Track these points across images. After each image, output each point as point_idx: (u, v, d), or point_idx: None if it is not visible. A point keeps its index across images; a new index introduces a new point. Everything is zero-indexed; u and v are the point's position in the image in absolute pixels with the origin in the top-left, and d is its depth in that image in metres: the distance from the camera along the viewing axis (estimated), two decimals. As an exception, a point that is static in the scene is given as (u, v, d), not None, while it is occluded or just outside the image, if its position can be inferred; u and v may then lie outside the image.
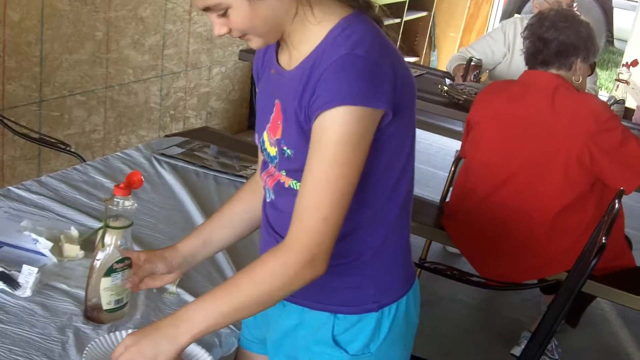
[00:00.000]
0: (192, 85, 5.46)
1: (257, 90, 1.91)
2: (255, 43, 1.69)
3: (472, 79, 4.66)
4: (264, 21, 1.63)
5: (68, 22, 4.34)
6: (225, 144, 3.41)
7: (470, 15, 7.98)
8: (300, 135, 1.65)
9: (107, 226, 1.92)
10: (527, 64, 3.51)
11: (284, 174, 1.74)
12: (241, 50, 5.21)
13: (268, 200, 1.84)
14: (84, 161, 3.05)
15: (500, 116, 3.49)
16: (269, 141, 1.76)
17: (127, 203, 1.93)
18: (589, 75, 3.58)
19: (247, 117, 6.12)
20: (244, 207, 2.01)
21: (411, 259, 1.90)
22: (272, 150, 1.75)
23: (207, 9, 1.62)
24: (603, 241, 2.52)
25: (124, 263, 1.93)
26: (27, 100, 4.23)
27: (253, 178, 2.04)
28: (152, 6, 4.86)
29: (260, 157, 1.93)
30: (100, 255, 1.93)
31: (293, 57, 1.70)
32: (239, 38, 1.68)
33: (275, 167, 1.77)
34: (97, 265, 1.93)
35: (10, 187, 2.64)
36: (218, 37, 1.67)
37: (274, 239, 1.82)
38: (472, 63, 4.67)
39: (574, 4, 4.58)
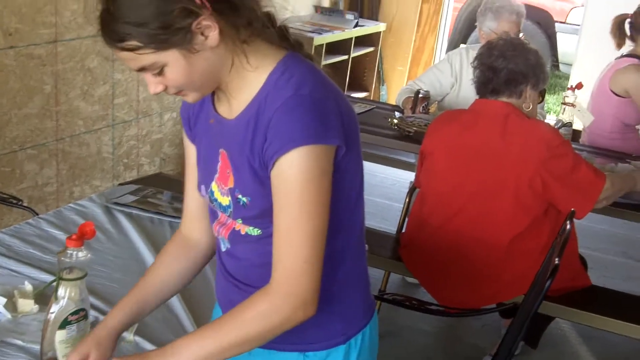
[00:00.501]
0: (144, 132, 5.45)
1: (189, 140, 1.90)
2: (191, 97, 1.69)
3: (420, 110, 4.70)
4: (200, 75, 1.63)
5: (15, 77, 4.32)
6: (179, 189, 3.38)
7: (416, 48, 8.06)
8: (255, 182, 1.67)
9: (60, 278, 1.92)
10: (477, 93, 3.56)
11: (240, 222, 1.75)
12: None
13: (223, 249, 1.85)
14: (37, 215, 3.04)
15: (452, 145, 3.53)
16: (219, 191, 1.77)
17: (80, 254, 1.92)
18: (539, 102, 3.64)
19: (201, 161, 6.11)
20: (174, 266, 1.98)
21: (369, 288, 1.92)
22: (225, 200, 1.76)
23: (142, 69, 1.61)
24: (556, 262, 2.56)
25: (79, 315, 1.93)
26: (-23, 157, 4.21)
27: (177, 233, 2.02)
28: (99, 57, 4.86)
29: (191, 209, 1.94)
30: (54, 308, 1.92)
31: (233, 106, 1.71)
32: (174, 94, 1.68)
33: (229, 216, 1.77)
34: (52, 319, 1.92)
35: (-38, 245, 2.63)
36: (154, 95, 1.67)
37: (235, 286, 1.83)
38: (420, 95, 4.72)
39: (520, 33, 4.65)
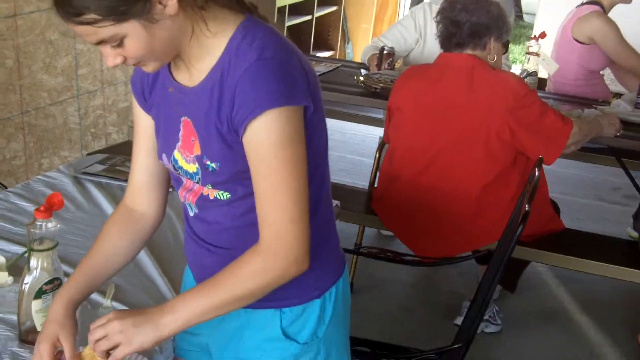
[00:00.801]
0: (109, 102, 5.42)
1: (142, 111, 1.88)
2: (151, 67, 1.67)
3: (386, 67, 4.71)
4: (161, 44, 1.61)
5: (-24, 52, 4.28)
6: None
7: (380, 5, 8.05)
8: (224, 147, 1.67)
9: (31, 250, 1.92)
10: (442, 47, 3.57)
11: (210, 187, 1.75)
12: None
13: (192, 214, 1.85)
14: (6, 188, 3.03)
15: (419, 100, 3.55)
16: (184, 159, 1.76)
17: (49, 225, 1.92)
18: (503, 54, 3.66)
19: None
20: (124, 235, 1.96)
21: (339, 242, 1.93)
22: (191, 167, 1.76)
23: (100, 42, 1.58)
24: (527, 208, 2.58)
25: (54, 284, 1.93)
26: (-58, 134, 4.18)
27: (121, 206, 2.00)
28: (60, 28, 4.81)
29: (137, 180, 1.94)
30: (27, 279, 1.92)
31: (194, 74, 1.70)
32: (133, 65, 1.66)
33: (197, 182, 1.77)
34: (26, 289, 1.93)
35: None
36: (112, 67, 1.65)
37: (206, 249, 1.84)
38: (385, 52, 4.72)
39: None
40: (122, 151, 3.47)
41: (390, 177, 3.76)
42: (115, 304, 2.17)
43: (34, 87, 4.71)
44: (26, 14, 4.56)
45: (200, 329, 1.93)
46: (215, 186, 1.74)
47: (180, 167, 1.79)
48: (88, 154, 3.55)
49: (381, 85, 4.47)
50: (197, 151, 1.72)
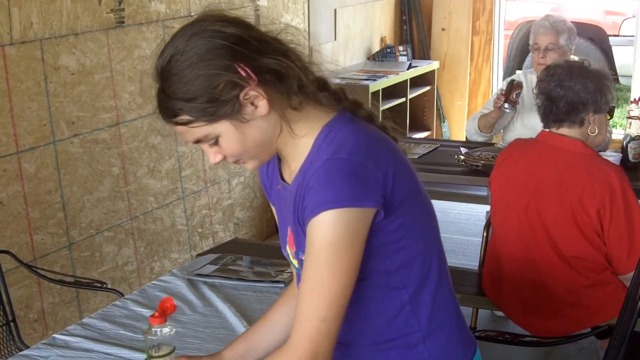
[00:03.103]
0: (214, 200, 5.51)
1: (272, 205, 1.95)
2: (250, 165, 1.73)
3: (514, 97, 4.61)
4: (254, 143, 1.67)
5: (83, 164, 4.41)
6: (257, 252, 3.45)
7: (472, 81, 8.04)
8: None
9: (150, 357, 1.93)
10: (542, 121, 3.52)
11: None
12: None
13: None
14: (122, 295, 3.08)
15: (521, 177, 3.50)
16: (291, 254, 1.81)
17: (165, 330, 1.94)
18: (609, 119, 3.58)
19: (273, 221, 6.14)
20: (285, 314, 2.02)
21: (467, 328, 1.91)
22: (295, 262, 1.80)
23: (198, 141, 1.66)
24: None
25: None
26: (56, 246, 4.28)
27: (291, 284, 2.06)
28: (161, 133, 4.93)
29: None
30: None
31: (292, 171, 1.75)
32: (234, 163, 1.72)
33: None
34: None
35: (55, 335, 2.67)
36: (214, 165, 1.71)
37: None
38: (515, 82, 4.65)
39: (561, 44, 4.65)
40: (231, 249, 3.52)
41: (495, 255, 3.69)
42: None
43: (140, 192, 4.83)
44: (128, 121, 4.70)
45: None
46: None
47: (291, 262, 1.83)
48: (198, 255, 3.60)
49: (482, 162, 4.44)
50: (294, 247, 1.76)
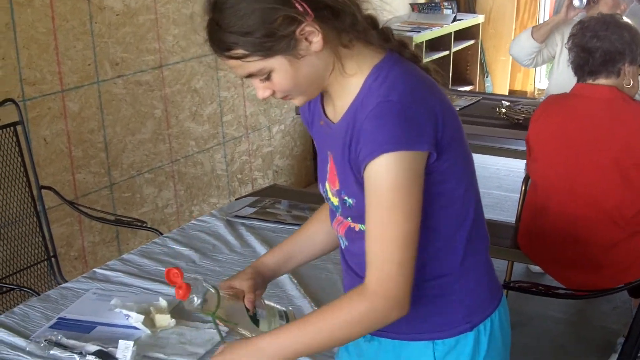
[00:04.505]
0: (254, 147, 5.53)
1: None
2: (298, 101, 1.73)
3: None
4: (306, 79, 1.66)
5: (126, 105, 4.44)
6: (294, 198, 3.46)
7: (517, 36, 7.98)
8: (356, 184, 1.69)
9: (212, 314, 1.87)
10: (575, 74, 3.50)
11: (350, 220, 1.78)
12: (297, 106, 5.32)
13: (343, 247, 1.88)
14: (161, 234, 3.11)
15: (559, 133, 3.49)
16: (331, 191, 1.81)
17: (195, 298, 1.87)
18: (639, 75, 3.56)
19: (312, 170, 6.17)
20: (323, 227, 2.04)
21: (495, 276, 1.91)
22: (335, 200, 1.79)
23: (250, 75, 1.66)
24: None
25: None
26: (97, 185, 4.34)
27: (324, 205, 2.05)
28: (204, 77, 4.96)
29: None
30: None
31: (337, 109, 1.74)
32: (281, 99, 1.72)
33: (340, 215, 1.81)
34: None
35: (95, 269, 2.72)
36: (262, 99, 1.71)
37: (357, 280, 1.84)
38: None
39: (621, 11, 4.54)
40: (270, 194, 3.54)
41: (535, 210, 3.69)
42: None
43: (182, 136, 4.86)
44: (171, 64, 4.72)
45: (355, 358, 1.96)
46: (354, 219, 1.77)
47: (329, 199, 1.83)
48: (237, 199, 3.62)
49: (524, 115, 4.42)
50: (338, 186, 1.76)
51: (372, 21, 1.73)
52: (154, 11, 4.55)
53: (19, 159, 3.43)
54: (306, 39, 1.61)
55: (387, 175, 1.60)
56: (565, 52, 4.15)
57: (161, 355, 2.16)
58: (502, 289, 1.94)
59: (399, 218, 1.62)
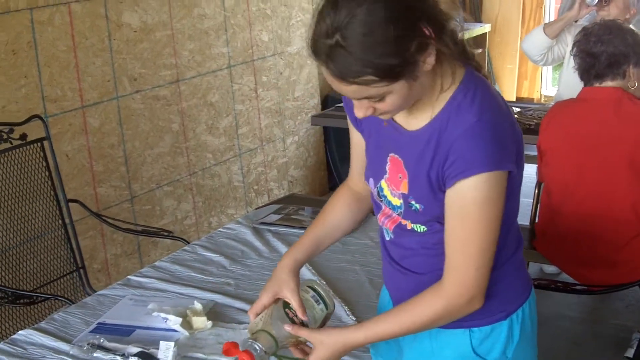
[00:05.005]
0: (269, 158, 5.62)
1: (353, 126, 2.01)
2: (388, 116, 1.77)
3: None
4: (413, 98, 1.71)
5: (145, 120, 4.53)
6: (314, 205, 3.54)
7: (523, 44, 8.05)
8: (430, 192, 1.77)
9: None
10: (581, 79, 3.60)
11: (410, 221, 1.86)
12: (312, 116, 5.42)
13: (387, 239, 1.96)
14: (188, 243, 3.19)
15: (569, 137, 3.57)
16: (390, 191, 1.87)
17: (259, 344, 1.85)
18: None
19: (326, 179, 6.25)
20: (348, 214, 2.12)
21: (526, 270, 2.02)
22: (396, 201, 1.86)
23: (365, 98, 1.67)
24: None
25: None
26: (118, 199, 4.42)
27: (345, 186, 2.14)
28: (219, 90, 5.05)
29: (358, 168, 2.05)
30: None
31: (414, 118, 1.79)
32: (372, 115, 1.73)
33: (398, 214, 1.88)
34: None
35: (129, 276, 2.80)
36: (359, 117, 1.73)
37: (399, 271, 1.95)
38: None
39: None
40: (290, 203, 3.62)
41: (551, 212, 3.77)
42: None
43: (199, 149, 4.95)
44: (188, 79, 4.81)
45: (393, 348, 2.06)
46: (414, 222, 1.85)
47: (385, 197, 1.90)
48: (257, 208, 3.70)
49: (535, 121, 4.49)
50: (404, 190, 1.82)
51: (454, 35, 1.74)
52: (170, 27, 4.64)
53: (46, 174, 3.52)
54: (423, 60, 1.63)
55: (478, 193, 1.69)
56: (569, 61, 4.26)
57: (200, 355, 2.24)
58: (531, 282, 2.03)
59: (484, 230, 1.73)
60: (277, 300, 1.95)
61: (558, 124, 3.65)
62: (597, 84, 3.52)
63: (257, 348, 1.83)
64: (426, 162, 1.75)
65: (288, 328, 1.86)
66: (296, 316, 1.92)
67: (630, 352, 3.85)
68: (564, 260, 3.75)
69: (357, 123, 1.98)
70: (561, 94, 4.82)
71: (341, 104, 5.01)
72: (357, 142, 2.03)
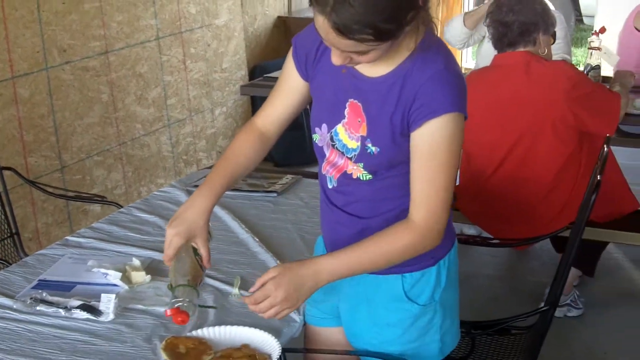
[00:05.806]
0: (198, 129, 5.70)
1: (296, 71, 2.10)
2: (359, 65, 1.90)
3: None
4: (390, 52, 1.85)
5: (74, 90, 4.58)
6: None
7: (444, 18, 8.20)
8: (390, 134, 1.93)
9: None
10: (495, 48, 3.85)
11: (361, 166, 1.99)
12: (242, 86, 5.54)
13: (330, 186, 2.10)
14: (121, 207, 3.28)
15: (484, 102, 3.76)
16: (347, 135, 2.00)
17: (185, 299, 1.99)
18: (552, 44, 3.89)
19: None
20: (254, 148, 2.18)
21: (452, 222, 2.18)
22: (352, 144, 2.00)
23: (351, 51, 1.78)
24: (598, 178, 2.76)
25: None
26: (49, 169, 4.47)
27: (252, 125, 2.21)
28: (148, 62, 5.12)
29: (277, 113, 2.17)
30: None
31: (375, 66, 1.91)
32: (349, 64, 1.86)
33: (351, 158, 2.01)
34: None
35: (67, 237, 2.88)
36: (336, 64, 1.84)
37: (341, 216, 2.11)
38: None
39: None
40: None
41: (470, 175, 3.95)
42: (243, 292, 2.37)
43: (128, 119, 5.02)
44: (117, 50, 4.87)
45: (329, 296, 2.20)
46: (366, 167, 1.99)
47: (340, 140, 2.02)
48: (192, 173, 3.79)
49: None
50: (363, 132, 1.97)
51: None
52: (99, -1, 4.70)
53: (-21, 142, 3.56)
54: (408, 24, 1.77)
55: (446, 132, 1.86)
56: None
57: (140, 306, 2.35)
58: (455, 232, 2.22)
59: (449, 167, 1.89)
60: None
61: (474, 90, 3.79)
62: (510, 51, 3.73)
63: (184, 304, 1.96)
64: (390, 106, 1.90)
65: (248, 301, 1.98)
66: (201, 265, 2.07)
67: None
68: (485, 219, 3.94)
69: (305, 71, 2.09)
70: (479, 64, 5.03)
71: (270, 74, 5.15)
72: (291, 88, 2.13)
